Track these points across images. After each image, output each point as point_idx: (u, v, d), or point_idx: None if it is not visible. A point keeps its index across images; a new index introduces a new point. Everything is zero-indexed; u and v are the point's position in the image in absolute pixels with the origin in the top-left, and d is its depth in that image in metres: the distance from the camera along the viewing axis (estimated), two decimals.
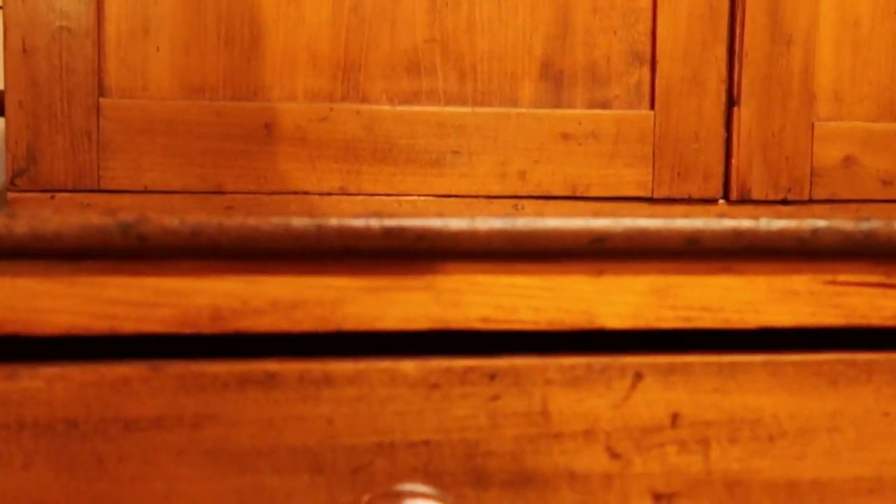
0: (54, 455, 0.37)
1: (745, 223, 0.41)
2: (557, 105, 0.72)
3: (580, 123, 0.72)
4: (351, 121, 0.71)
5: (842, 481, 0.40)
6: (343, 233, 0.39)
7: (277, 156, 0.71)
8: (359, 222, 0.39)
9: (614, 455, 0.39)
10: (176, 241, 0.39)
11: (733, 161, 0.73)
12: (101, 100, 0.70)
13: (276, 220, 0.39)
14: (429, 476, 0.39)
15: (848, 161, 0.74)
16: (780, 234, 0.41)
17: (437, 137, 0.71)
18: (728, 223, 0.41)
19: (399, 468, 0.39)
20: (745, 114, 0.73)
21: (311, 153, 0.70)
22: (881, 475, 0.40)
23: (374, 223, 0.39)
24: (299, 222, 0.39)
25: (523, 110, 0.72)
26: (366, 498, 0.38)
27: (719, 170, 0.73)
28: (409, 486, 0.38)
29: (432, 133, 0.71)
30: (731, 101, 0.73)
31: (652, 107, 0.72)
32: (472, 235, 0.40)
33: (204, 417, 0.38)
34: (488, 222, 0.40)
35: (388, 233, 0.39)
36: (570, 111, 0.72)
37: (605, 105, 0.72)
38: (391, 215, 0.40)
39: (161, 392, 0.38)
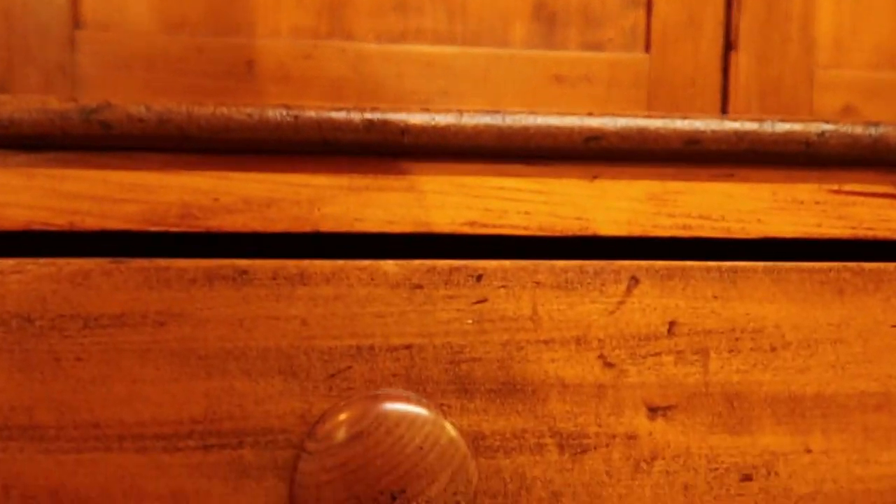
0: (7, 352, 0.35)
1: (748, 125, 0.39)
2: (550, 47, 0.70)
3: (573, 66, 0.70)
4: (336, 59, 0.68)
5: (846, 396, 0.38)
6: (322, 125, 0.37)
7: (259, 94, 0.68)
8: (339, 114, 0.37)
9: (607, 364, 0.37)
10: (142, 129, 0.36)
11: (730, 108, 0.71)
12: (77, 32, 0.67)
13: (249, 110, 0.37)
14: (410, 383, 0.36)
15: (847, 111, 0.72)
16: (785, 136, 0.39)
17: (425, 78, 0.69)
18: (730, 124, 0.39)
19: (378, 374, 0.36)
20: (742, 59, 0.71)
21: (294, 91, 0.68)
22: (888, 390, 0.38)
23: (356, 115, 0.37)
24: (275, 112, 0.37)
25: (515, 51, 0.69)
26: (342, 403, 0.35)
27: None
28: (389, 391, 0.36)
29: (420, 73, 0.69)
30: (729, 46, 0.71)
31: (647, 50, 0.70)
32: (459, 131, 0.37)
33: (169, 315, 0.35)
34: (476, 118, 0.37)
35: (370, 126, 0.37)
36: (563, 53, 0.70)
37: (598, 48, 0.70)
38: (374, 109, 0.37)
39: (123, 287, 0.35)
